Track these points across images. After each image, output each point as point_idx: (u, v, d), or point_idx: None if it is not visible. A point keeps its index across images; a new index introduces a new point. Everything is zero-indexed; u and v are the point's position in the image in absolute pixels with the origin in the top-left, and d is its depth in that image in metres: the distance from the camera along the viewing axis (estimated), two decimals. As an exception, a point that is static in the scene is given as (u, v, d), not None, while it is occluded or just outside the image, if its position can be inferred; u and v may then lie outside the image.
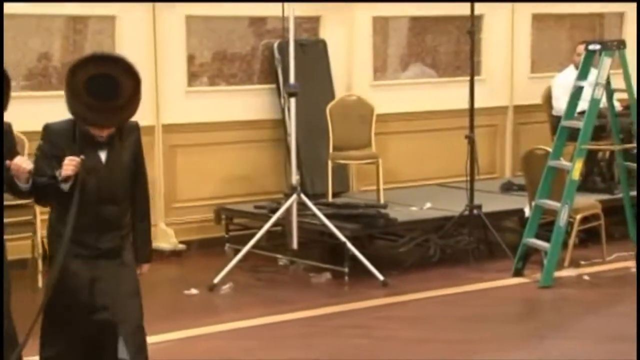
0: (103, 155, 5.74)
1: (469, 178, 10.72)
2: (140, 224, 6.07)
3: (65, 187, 5.53)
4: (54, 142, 5.74)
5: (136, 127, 5.92)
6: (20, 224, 9.57)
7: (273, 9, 10.18)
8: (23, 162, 5.60)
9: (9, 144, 5.83)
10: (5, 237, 9.69)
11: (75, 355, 5.82)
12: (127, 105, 5.63)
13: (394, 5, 12.75)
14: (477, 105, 10.87)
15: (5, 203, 8.67)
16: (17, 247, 9.81)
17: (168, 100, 11.15)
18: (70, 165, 5.47)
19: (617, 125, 10.34)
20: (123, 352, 5.66)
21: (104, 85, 5.51)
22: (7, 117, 9.73)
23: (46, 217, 6.44)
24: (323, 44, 11.99)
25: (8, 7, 10.13)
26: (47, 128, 5.79)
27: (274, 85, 11.77)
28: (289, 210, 10.05)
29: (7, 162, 5.61)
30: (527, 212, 10.39)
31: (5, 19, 10.21)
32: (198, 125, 11.22)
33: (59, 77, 10.06)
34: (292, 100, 10.24)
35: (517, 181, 12.08)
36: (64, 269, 5.66)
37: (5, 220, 9.47)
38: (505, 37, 13.24)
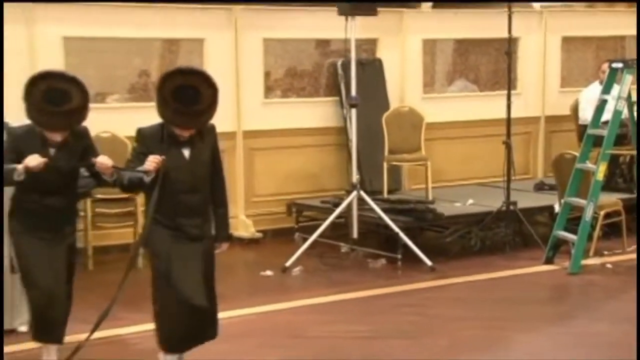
0: (186, 153, 5.93)
1: (506, 178, 10.67)
2: (219, 210, 6.23)
3: (147, 179, 5.72)
4: (144, 142, 5.94)
5: (213, 128, 6.12)
6: (124, 214, 9.78)
7: (337, 33, 10.20)
8: (105, 160, 5.91)
9: (85, 145, 6.16)
10: (111, 225, 9.97)
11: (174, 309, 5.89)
12: (206, 110, 5.86)
13: (441, 29, 12.82)
14: (513, 115, 10.83)
15: (112, 196, 8.90)
16: (122, 234, 10.03)
17: (247, 110, 11.24)
18: (152, 161, 5.69)
19: (637, 133, 10.27)
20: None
21: (187, 94, 5.74)
22: (113, 124, 9.99)
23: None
24: (379, 62, 12.04)
25: (115, 31, 10.41)
26: (140, 131, 6.02)
27: (337, 98, 11.83)
28: (350, 205, 10.14)
29: (92, 159, 5.95)
30: (557, 208, 10.36)
31: (113, 42, 10.61)
32: (273, 132, 11.32)
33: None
34: (353, 111, 10.33)
35: (548, 181, 12.03)
36: (158, 249, 5.95)
37: (112, 211, 9.74)
38: (538, 56, 13.16)
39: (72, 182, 6.23)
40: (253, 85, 11.38)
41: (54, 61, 9.94)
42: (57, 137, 5.97)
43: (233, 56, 11.08)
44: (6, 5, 9.97)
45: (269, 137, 11.33)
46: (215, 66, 10.29)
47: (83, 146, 6.18)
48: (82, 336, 6.02)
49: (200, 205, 6.04)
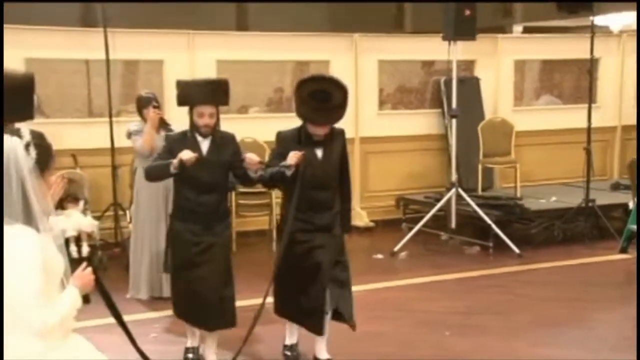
0: (319, 153, 5.83)
1: (585, 179, 10.55)
2: (345, 205, 6.08)
3: (289, 173, 5.60)
4: (283, 143, 5.85)
5: (342, 132, 6.03)
6: (261, 205, 9.93)
7: (440, 55, 10.21)
8: (253, 156, 5.86)
9: (234, 149, 5.98)
10: (249, 214, 10.13)
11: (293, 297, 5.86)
12: (339, 106, 5.76)
13: (530, 51, 12.74)
14: (593, 125, 10.67)
15: (250, 190, 8.98)
16: (258, 222, 10.21)
17: (364, 120, 11.33)
18: (294, 156, 5.58)
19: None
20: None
21: (321, 95, 5.68)
22: (254, 131, 10.15)
23: (279, 201, 6.69)
24: (477, 80, 11.97)
25: (257, 55, 10.62)
26: (280, 134, 5.98)
27: (439, 110, 11.80)
28: (449, 200, 10.13)
29: (243, 155, 5.88)
30: (631, 205, 10.09)
31: (256, 64, 10.84)
32: (384, 138, 11.36)
33: (288, 104, 10.33)
34: (454, 121, 10.33)
35: (623, 182, 11.79)
36: (290, 239, 5.78)
37: (250, 202, 9.87)
38: (616, 74, 12.93)
39: (223, 181, 5.97)
40: (369, 99, 11.46)
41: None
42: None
43: (353, 75, 11.11)
44: (171, 34, 10.29)
45: (382, 142, 11.36)
46: None
47: (233, 149, 5.97)
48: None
49: (329, 201, 5.90)
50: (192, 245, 5.81)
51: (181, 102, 5.94)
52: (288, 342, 6.22)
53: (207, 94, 5.84)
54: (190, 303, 5.86)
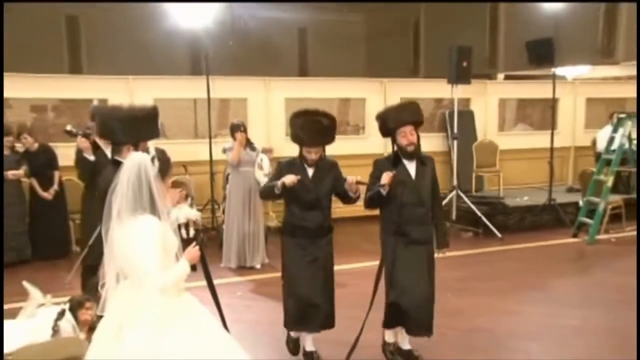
0: (412, 172, 4.85)
1: (549, 184, 10.44)
2: (439, 222, 5.00)
3: (384, 192, 4.66)
4: (379, 167, 4.82)
5: (432, 158, 5.04)
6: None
7: (445, 94, 10.15)
8: (352, 178, 4.80)
9: (336, 173, 4.93)
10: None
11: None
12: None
13: (510, 92, 12.61)
14: (554, 145, 10.53)
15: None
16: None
17: (389, 141, 11.18)
18: (387, 176, 4.63)
19: (634, 158, 9.87)
20: None
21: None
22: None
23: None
24: (471, 112, 11.86)
25: (313, 93, 10.50)
26: (376, 161, 4.98)
27: (445, 134, 11.68)
28: (451, 198, 10.01)
29: (346, 177, 4.85)
30: (581, 203, 9.97)
31: (313, 100, 10.49)
32: None
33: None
34: (455, 142, 10.21)
35: (575, 187, 11.63)
36: (386, 253, 4.89)
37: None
38: (570, 110, 12.68)
39: (325, 201, 4.91)
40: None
41: (279, 112, 10.31)
42: (312, 154, 4.85)
43: (382, 108, 10.97)
44: (252, 80, 10.35)
45: None
46: (371, 114, 10.31)
47: (334, 174, 4.92)
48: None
49: (424, 217, 4.85)
50: (300, 257, 4.87)
51: (294, 141, 4.91)
52: (389, 340, 5.20)
53: (316, 138, 4.81)
54: (295, 307, 4.90)
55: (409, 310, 4.82)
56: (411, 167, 4.86)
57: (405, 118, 4.86)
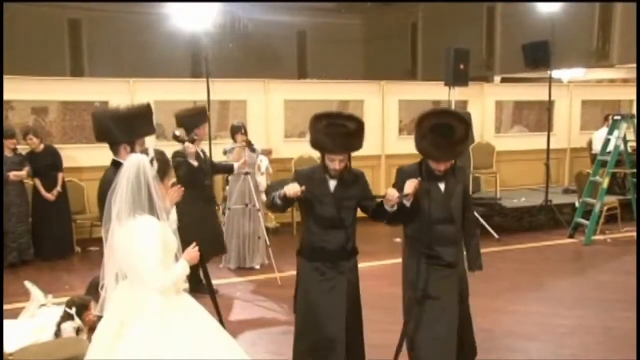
0: (442, 186, 4.19)
1: (545, 185, 10.40)
2: (472, 241, 4.40)
3: (408, 203, 4.00)
4: (404, 178, 4.09)
5: (464, 169, 4.43)
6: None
7: (443, 96, 10.12)
8: (393, 192, 4.04)
9: (363, 186, 4.21)
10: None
11: None
12: (460, 143, 4.09)
13: (506, 94, 12.57)
14: (551, 147, 10.50)
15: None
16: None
17: (388, 142, 11.14)
18: (411, 184, 3.97)
19: (629, 159, 9.87)
20: None
21: (443, 130, 4.04)
22: (311, 151, 9.98)
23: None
24: (469, 114, 11.55)
25: (314, 96, 10.45)
26: (401, 170, 4.30)
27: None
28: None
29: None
30: (577, 204, 9.95)
31: (310, 102, 10.41)
32: (403, 155, 10.73)
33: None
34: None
35: (571, 188, 11.61)
36: (412, 278, 4.28)
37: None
38: (566, 112, 12.64)
39: (350, 219, 4.11)
40: (392, 127, 11.28)
41: (278, 115, 10.30)
42: (337, 164, 4.05)
43: (380, 111, 11.03)
44: (252, 82, 10.33)
45: (401, 159, 10.81)
46: (369, 116, 10.53)
47: (361, 187, 4.16)
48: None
49: (455, 235, 4.21)
50: (318, 283, 4.07)
51: (315, 147, 4.09)
52: None
53: (342, 144, 4.02)
54: (308, 353, 4.09)
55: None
56: (441, 179, 4.24)
57: (438, 157, 4.17)
